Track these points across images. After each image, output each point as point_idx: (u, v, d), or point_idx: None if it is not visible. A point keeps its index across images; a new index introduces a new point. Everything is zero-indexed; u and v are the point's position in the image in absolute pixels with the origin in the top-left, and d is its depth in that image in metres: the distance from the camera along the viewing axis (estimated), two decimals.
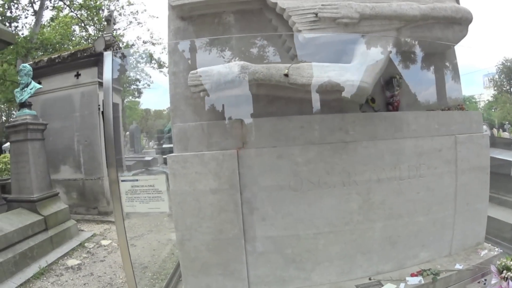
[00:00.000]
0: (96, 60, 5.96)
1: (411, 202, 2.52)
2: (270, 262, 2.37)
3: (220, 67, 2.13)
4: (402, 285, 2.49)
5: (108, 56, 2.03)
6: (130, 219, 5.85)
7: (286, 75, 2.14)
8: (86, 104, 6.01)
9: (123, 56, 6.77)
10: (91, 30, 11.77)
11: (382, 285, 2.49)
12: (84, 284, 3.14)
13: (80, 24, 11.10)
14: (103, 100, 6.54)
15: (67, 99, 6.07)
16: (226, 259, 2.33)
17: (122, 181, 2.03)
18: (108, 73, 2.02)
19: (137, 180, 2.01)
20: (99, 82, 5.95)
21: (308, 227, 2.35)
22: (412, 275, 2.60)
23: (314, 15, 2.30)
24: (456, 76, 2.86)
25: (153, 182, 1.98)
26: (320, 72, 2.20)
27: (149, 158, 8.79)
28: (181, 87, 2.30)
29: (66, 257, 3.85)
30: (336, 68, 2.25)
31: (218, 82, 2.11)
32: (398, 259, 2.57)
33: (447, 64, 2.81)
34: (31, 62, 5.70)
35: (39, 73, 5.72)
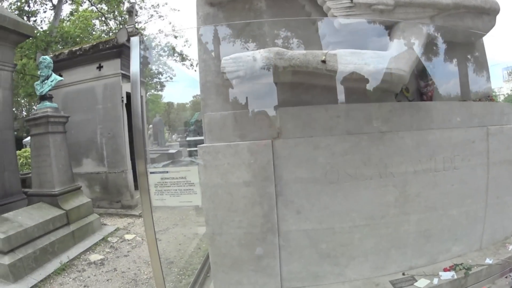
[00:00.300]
0: (118, 52, 5.50)
1: (445, 194, 2.30)
2: (303, 257, 2.14)
3: (254, 53, 1.90)
4: (435, 280, 2.26)
5: (135, 42, 1.80)
6: (155, 213, 5.55)
7: (324, 61, 1.92)
8: (109, 96, 5.60)
9: (146, 48, 6.49)
10: (111, 23, 11.12)
11: (416, 281, 2.26)
12: (107, 280, 2.87)
13: (100, 18, 10.47)
14: (126, 92, 6.06)
15: (89, 91, 5.66)
16: (258, 254, 2.10)
17: (151, 173, 1.80)
18: (135, 59, 1.78)
19: (167, 172, 1.78)
20: (122, 74, 5.52)
21: (344, 220, 2.12)
22: (445, 270, 2.37)
23: (350, 1, 2.08)
24: (484, 67, 2.65)
25: (185, 174, 1.76)
26: (358, 59, 1.98)
27: (173, 151, 8.39)
28: (212, 75, 2.07)
29: (88, 252, 3.57)
30: (373, 55, 2.02)
31: (253, 69, 1.88)
32: (431, 254, 2.34)
33: (477, 54, 2.60)
34: (51, 55, 5.25)
35: (60, 66, 5.35)
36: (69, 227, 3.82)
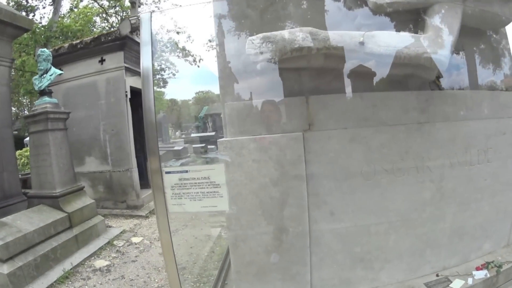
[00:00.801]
0: (121, 44, 4.77)
1: (478, 189, 1.93)
2: (336, 262, 1.74)
3: (285, 33, 1.49)
4: (470, 280, 1.90)
5: (146, 18, 1.35)
6: None
7: (362, 42, 1.53)
8: (112, 91, 4.85)
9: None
10: (112, 20, 10.01)
11: (451, 282, 1.90)
12: None
13: (101, 15, 9.40)
14: (130, 87, 5.18)
15: (91, 86, 4.91)
16: (287, 261, 1.69)
17: (167, 173, 1.36)
18: (146, 34, 1.33)
19: (187, 171, 1.35)
20: (125, 67, 4.80)
21: (380, 221, 1.73)
22: (477, 268, 2.01)
23: None
24: (508, 55, 2.33)
25: (209, 173, 1.33)
26: (397, 42, 1.59)
27: (179, 148, 7.75)
28: (232, 60, 1.65)
29: (93, 258, 3.02)
30: (411, 39, 1.65)
31: (283, 50, 1.47)
32: (463, 252, 1.98)
33: (502, 42, 2.28)
34: (51, 50, 4.47)
35: (60, 61, 4.65)
36: (72, 231, 3.24)
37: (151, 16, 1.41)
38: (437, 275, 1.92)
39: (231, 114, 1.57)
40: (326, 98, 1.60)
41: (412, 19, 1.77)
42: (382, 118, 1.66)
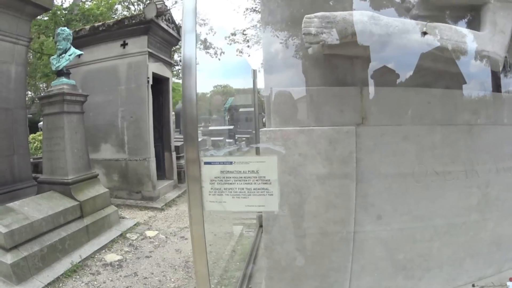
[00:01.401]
0: (146, 28, 4.16)
1: None
2: (377, 270, 1.41)
3: (345, 14, 1.18)
4: None
5: (190, 3, 1.02)
6: (178, 206, 4.20)
7: (425, 33, 1.24)
8: (133, 76, 4.24)
9: (176, 28, 5.30)
10: (133, 8, 9.08)
11: None
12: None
13: (123, 3, 8.46)
14: (152, 73, 4.15)
15: (111, 70, 4.29)
16: (326, 268, 1.35)
17: (206, 163, 1.02)
18: (190, 22, 1.00)
19: (231, 162, 1.01)
20: (148, 52, 4.20)
21: (426, 227, 1.42)
22: (511, 279, 1.75)
23: None
24: None
25: (258, 166, 0.99)
26: (458, 37, 1.30)
27: (198, 139, 7.10)
28: (280, 42, 1.34)
29: (104, 251, 2.57)
30: (470, 35, 1.37)
31: (343, 33, 1.15)
32: (498, 262, 1.68)
33: None
34: (71, 31, 3.77)
35: (80, 43, 4.02)
36: (83, 221, 2.77)
37: (196, 1, 1.08)
38: (473, 286, 1.62)
39: (278, 101, 1.24)
40: (381, 90, 1.29)
41: (465, 16, 1.50)
42: (436, 116, 1.35)
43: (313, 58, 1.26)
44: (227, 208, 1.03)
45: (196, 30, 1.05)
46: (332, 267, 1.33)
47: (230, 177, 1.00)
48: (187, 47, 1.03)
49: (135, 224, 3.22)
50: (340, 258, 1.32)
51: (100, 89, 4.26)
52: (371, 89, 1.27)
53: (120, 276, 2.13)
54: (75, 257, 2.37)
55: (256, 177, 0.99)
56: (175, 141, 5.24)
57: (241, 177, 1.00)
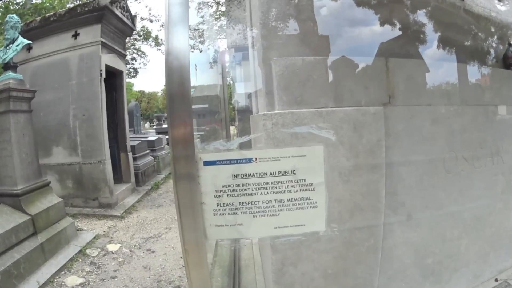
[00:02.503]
0: (99, 16, 3.69)
1: None
2: (405, 278, 1.18)
3: None
4: None
5: None
6: (138, 212, 3.64)
7: None
8: (85, 69, 3.71)
9: (131, 17, 4.76)
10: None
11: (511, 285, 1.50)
12: None
13: None
14: (106, 65, 3.68)
15: (62, 64, 3.73)
16: (351, 286, 1.10)
17: (208, 164, 0.64)
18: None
19: (250, 160, 0.64)
20: (101, 42, 3.72)
21: (456, 223, 1.22)
22: None
23: None
24: None
25: (295, 162, 0.65)
26: (491, 5, 1.13)
27: (153, 138, 6.46)
28: (279, 2, 1.02)
29: (63, 272, 2.09)
30: (500, 5, 1.20)
31: None
32: None
33: None
34: (22, 24, 3.19)
35: (30, 36, 3.42)
36: (37, 238, 2.24)
37: None
38: (496, 280, 1.48)
39: (284, 74, 0.92)
40: (408, 63, 1.04)
41: None
42: (464, 94, 1.16)
43: (323, 22, 0.97)
44: (245, 234, 0.68)
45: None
46: (356, 284, 1.07)
47: (250, 184, 0.65)
48: (181, 39, 0.67)
49: (94, 237, 2.73)
50: (366, 273, 1.06)
51: (50, 86, 3.65)
52: (397, 60, 1.02)
53: None
54: (32, 283, 1.85)
55: (291, 181, 0.65)
56: (131, 140, 4.83)
57: (268, 183, 0.65)
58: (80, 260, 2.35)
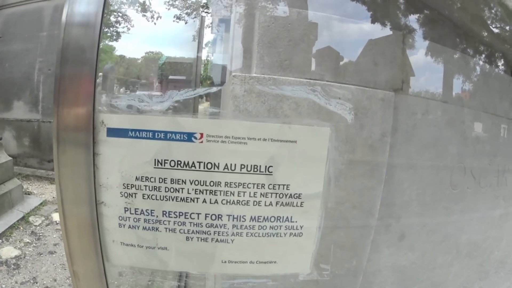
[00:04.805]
0: None
1: None
2: None
3: None
4: None
5: None
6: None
7: None
8: (58, 21, 3.19)
9: None
10: None
11: None
12: None
13: None
14: None
15: (35, 14, 3.30)
16: None
17: (114, 132, 0.36)
18: None
19: (193, 135, 0.34)
20: None
21: (450, 247, 1.03)
22: None
23: None
24: None
25: (271, 152, 0.32)
26: None
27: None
28: None
29: (1, 241, 1.78)
30: None
31: None
32: (499, 283, 1.48)
33: None
34: None
35: None
36: None
37: None
38: None
39: (271, 27, 0.65)
40: (431, 46, 0.82)
41: None
42: (482, 99, 0.97)
43: None
44: (170, 265, 0.39)
45: None
46: None
47: (185, 182, 0.34)
48: None
49: (41, 203, 2.39)
50: None
51: (21, 36, 3.19)
52: (418, 39, 0.79)
53: (16, 282, 1.33)
54: None
55: (263, 186, 0.38)
56: None
57: (219, 183, 0.35)
58: (21, 228, 2.01)
